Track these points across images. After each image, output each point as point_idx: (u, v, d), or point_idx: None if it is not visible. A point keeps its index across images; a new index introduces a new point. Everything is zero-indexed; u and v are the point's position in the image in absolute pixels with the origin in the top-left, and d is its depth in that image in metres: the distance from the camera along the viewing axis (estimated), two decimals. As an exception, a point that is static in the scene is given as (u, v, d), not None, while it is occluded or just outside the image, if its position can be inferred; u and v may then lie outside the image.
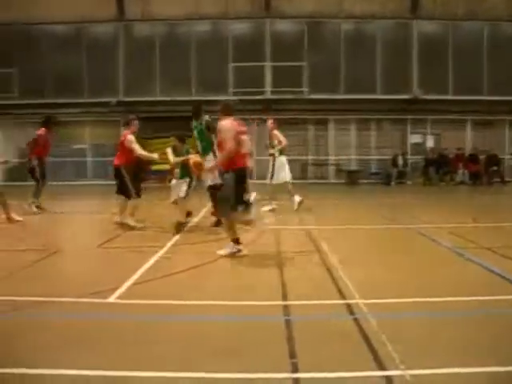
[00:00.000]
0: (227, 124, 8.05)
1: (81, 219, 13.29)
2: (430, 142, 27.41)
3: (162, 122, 25.44)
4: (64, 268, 7.67)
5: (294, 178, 14.66)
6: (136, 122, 11.22)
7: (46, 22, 26.24)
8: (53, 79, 26.21)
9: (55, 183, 24.22)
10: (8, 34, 26.53)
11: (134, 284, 6.27)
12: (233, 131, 7.96)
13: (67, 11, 25.69)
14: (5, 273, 6.84)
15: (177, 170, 10.77)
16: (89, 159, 26.98)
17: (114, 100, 25.63)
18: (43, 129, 13.96)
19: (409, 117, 27.08)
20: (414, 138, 27.58)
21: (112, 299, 5.63)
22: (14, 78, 26.17)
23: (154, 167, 25.27)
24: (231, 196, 7.92)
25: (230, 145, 7.84)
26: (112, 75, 26.15)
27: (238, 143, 7.97)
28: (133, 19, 26.73)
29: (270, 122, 14.34)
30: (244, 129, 8.29)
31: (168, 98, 25.32)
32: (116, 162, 10.98)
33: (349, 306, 5.33)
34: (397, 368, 3.81)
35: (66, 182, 24.15)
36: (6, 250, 8.57)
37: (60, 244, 9.08)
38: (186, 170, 10.25)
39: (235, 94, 25.29)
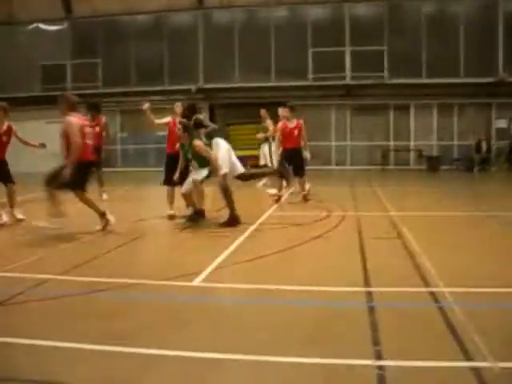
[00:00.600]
0: (73, 119, 8.51)
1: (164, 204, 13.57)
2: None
3: (242, 109, 25.65)
4: (149, 251, 7.88)
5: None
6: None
7: (129, 13, 26.89)
8: (135, 68, 26.86)
9: (138, 169, 24.93)
10: (93, 26, 27.43)
11: (218, 268, 6.37)
12: (78, 125, 8.47)
13: (148, 1, 26.28)
14: (92, 256, 7.10)
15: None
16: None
17: (194, 87, 25.99)
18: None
19: (494, 101, 26.15)
20: (499, 123, 26.64)
21: (196, 282, 5.74)
22: (99, 67, 27.04)
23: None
24: (68, 181, 8.33)
25: (76, 139, 8.34)
26: (192, 63, 26.49)
27: (83, 136, 8.47)
28: (212, 7, 26.97)
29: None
30: (86, 122, 8.93)
31: (247, 85, 25.47)
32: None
33: (433, 293, 5.24)
34: (484, 359, 3.69)
35: (149, 169, 24.69)
36: (90, 233, 8.85)
37: (144, 228, 9.31)
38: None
39: (315, 79, 25.21)
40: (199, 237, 8.81)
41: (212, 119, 27.34)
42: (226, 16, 27.32)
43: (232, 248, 7.48)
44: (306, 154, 12.98)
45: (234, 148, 10.08)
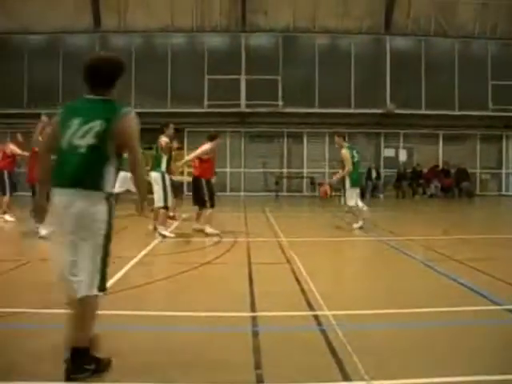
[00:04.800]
0: None
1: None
2: (402, 156, 27.65)
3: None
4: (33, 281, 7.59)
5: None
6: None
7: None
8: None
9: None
10: None
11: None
12: None
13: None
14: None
15: None
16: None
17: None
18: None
19: (382, 131, 27.39)
20: (388, 152, 27.82)
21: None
22: None
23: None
24: None
25: None
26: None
27: None
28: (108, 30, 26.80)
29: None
30: None
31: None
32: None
33: (317, 317, 5.34)
34: (362, 379, 3.79)
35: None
36: None
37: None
38: None
39: (210, 106, 25.33)
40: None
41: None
42: (123, 40, 27.12)
43: (121, 274, 7.30)
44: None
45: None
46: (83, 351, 3.78)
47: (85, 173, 3.78)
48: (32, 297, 6.17)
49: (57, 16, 25.87)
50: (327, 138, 27.08)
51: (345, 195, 12.62)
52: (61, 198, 3.80)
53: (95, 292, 3.84)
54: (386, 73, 26.43)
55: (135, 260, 8.42)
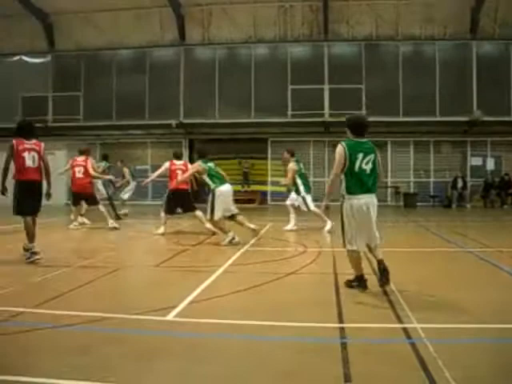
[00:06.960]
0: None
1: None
2: (490, 165, 26.89)
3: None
4: (123, 287, 7.83)
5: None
6: None
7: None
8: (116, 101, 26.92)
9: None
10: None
11: (192, 302, 6.34)
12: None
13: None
14: (67, 289, 7.01)
15: None
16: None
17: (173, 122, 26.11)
18: None
19: (469, 139, 26.72)
20: (475, 161, 27.12)
21: (171, 317, 5.71)
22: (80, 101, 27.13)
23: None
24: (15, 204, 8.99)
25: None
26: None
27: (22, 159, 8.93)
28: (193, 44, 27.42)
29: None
30: (26, 146, 8.96)
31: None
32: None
33: (405, 329, 5.27)
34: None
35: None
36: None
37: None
38: None
39: (293, 116, 25.45)
40: (170, 271, 8.77)
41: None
42: (207, 52, 27.65)
43: (207, 283, 7.45)
44: None
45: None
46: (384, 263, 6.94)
47: (372, 184, 6.95)
48: (123, 302, 6.37)
49: (144, 31, 26.90)
50: (412, 147, 26.74)
51: (305, 202, 14.05)
52: (364, 200, 6.91)
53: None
54: (472, 79, 25.78)
55: (222, 269, 8.57)
